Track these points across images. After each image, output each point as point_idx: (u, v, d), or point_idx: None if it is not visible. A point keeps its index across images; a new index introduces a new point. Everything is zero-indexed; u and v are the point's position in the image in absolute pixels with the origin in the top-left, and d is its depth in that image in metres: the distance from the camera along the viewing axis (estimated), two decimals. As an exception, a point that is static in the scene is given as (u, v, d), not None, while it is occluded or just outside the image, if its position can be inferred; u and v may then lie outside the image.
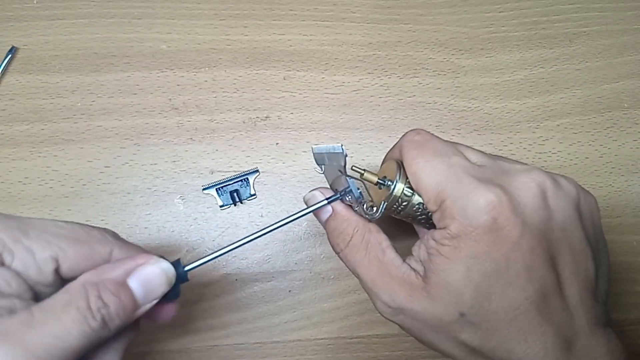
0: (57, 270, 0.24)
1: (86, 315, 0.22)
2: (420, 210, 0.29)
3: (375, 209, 0.29)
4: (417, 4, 0.46)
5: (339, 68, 0.44)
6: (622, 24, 0.47)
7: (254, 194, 0.41)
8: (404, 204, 0.29)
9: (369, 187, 0.31)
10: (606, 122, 0.45)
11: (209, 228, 0.40)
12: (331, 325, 0.39)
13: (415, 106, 0.44)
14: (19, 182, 0.41)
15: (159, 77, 0.43)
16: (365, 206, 0.29)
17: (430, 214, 0.28)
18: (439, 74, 0.45)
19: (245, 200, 0.41)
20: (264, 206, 0.41)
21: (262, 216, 0.41)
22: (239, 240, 0.28)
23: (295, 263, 0.40)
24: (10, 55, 0.42)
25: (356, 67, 0.45)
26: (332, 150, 0.29)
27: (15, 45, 0.43)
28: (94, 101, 0.42)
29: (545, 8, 0.47)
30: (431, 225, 0.29)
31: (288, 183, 0.42)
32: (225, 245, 0.28)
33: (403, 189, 0.28)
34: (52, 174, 0.41)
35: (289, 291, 0.40)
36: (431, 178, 0.27)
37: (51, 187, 0.40)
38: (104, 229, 0.27)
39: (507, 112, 0.44)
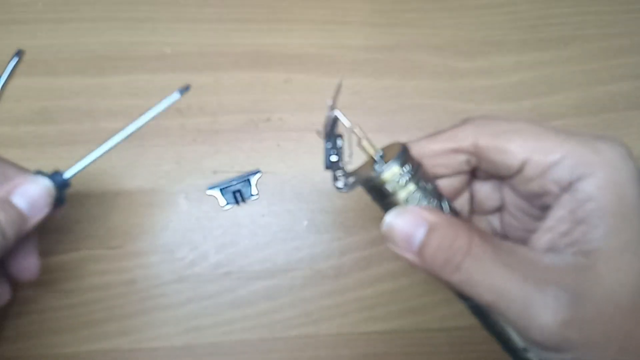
0: None
1: None
2: (402, 201, 0.25)
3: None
4: (415, 8, 0.47)
5: (339, 71, 0.45)
6: (617, 27, 0.48)
7: (256, 194, 0.42)
8: (393, 188, 0.25)
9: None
10: (601, 124, 0.45)
11: (211, 227, 0.41)
12: (331, 322, 0.40)
13: (414, 108, 0.45)
14: (26, 182, 0.41)
15: (162, 79, 0.44)
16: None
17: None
18: (437, 77, 0.45)
19: (248, 200, 0.42)
20: (265, 206, 0.42)
21: (263, 215, 0.42)
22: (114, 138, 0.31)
23: (296, 261, 0.41)
24: (17, 58, 0.43)
25: (355, 70, 0.45)
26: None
27: (21, 48, 0.44)
28: (98, 103, 0.43)
29: (541, 12, 0.48)
30: None
31: (289, 183, 0.42)
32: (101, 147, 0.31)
33: (399, 171, 0.25)
34: (58, 174, 0.41)
35: (290, 289, 0.40)
36: (545, 130, 0.23)
37: (57, 187, 0.41)
38: None
39: (503, 114, 0.45)
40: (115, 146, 0.32)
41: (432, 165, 0.26)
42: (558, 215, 0.23)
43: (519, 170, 0.24)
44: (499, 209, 0.29)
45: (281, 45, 0.45)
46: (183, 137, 0.43)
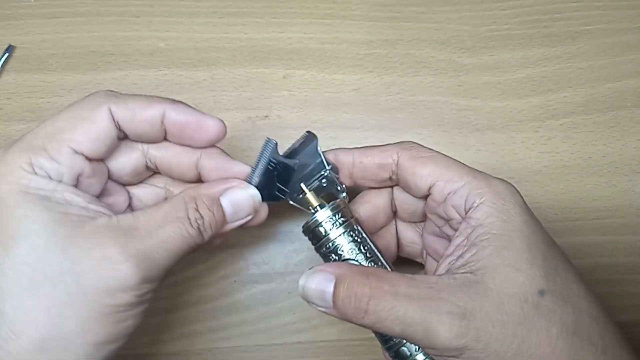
0: (87, 159, 0.26)
1: (185, 224, 0.25)
2: (332, 245, 0.30)
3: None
4: (418, 1, 0.46)
5: (339, 66, 0.44)
6: (625, 23, 0.47)
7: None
8: (321, 232, 0.30)
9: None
10: (609, 122, 0.44)
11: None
12: (331, 327, 0.39)
13: (417, 105, 0.44)
14: (16, 182, 0.40)
15: (157, 75, 0.43)
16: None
17: (338, 254, 0.30)
18: (441, 73, 0.44)
19: None
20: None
21: (261, 216, 0.41)
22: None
23: (295, 264, 0.40)
24: (7, 54, 0.42)
25: (357, 65, 0.44)
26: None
27: (12, 44, 0.43)
28: (91, 100, 0.42)
29: (547, 6, 0.47)
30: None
31: (288, 183, 0.41)
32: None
33: (329, 216, 0.29)
34: (49, 173, 0.40)
35: (289, 293, 0.39)
36: (454, 161, 0.29)
37: (48, 187, 0.40)
38: (96, 92, 0.28)
39: (509, 111, 0.44)
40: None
41: (361, 177, 0.31)
42: (457, 242, 0.26)
43: (428, 193, 0.29)
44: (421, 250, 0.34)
45: (279, 40, 0.44)
46: (178, 135, 0.42)
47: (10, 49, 0.42)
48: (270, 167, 0.30)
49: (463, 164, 0.29)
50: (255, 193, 0.29)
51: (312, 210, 0.31)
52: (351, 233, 0.30)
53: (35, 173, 0.24)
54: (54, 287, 0.23)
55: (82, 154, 0.26)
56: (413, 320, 0.24)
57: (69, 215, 0.24)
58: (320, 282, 0.26)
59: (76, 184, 0.26)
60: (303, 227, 0.31)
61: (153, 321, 0.38)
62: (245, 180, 0.30)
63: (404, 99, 0.44)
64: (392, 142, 0.31)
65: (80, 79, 0.42)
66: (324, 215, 0.30)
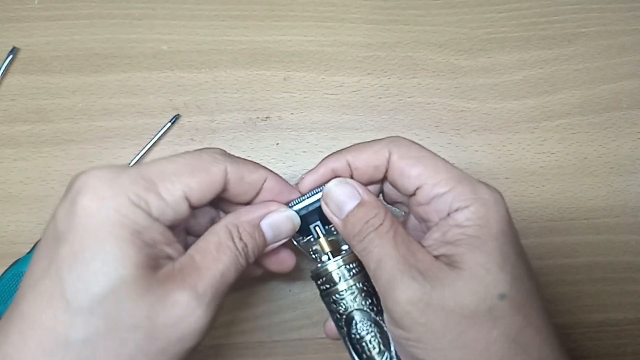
0: (191, 206, 0.26)
1: (235, 252, 0.26)
2: (339, 296, 0.30)
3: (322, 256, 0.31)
4: (417, 5, 0.47)
5: (339, 69, 0.44)
6: (620, 25, 0.47)
7: None
8: (330, 281, 0.30)
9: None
10: (605, 123, 0.45)
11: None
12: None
13: (415, 106, 0.44)
14: (20, 182, 0.41)
15: (159, 77, 0.43)
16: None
17: (343, 305, 0.29)
18: (438, 75, 0.45)
19: None
20: (264, 206, 0.41)
21: (262, 216, 0.41)
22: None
23: (296, 262, 0.40)
24: (11, 56, 0.43)
25: (356, 67, 0.45)
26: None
27: (16, 46, 0.43)
28: (94, 102, 0.43)
29: (544, 9, 0.47)
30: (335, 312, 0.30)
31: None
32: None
33: (340, 266, 0.29)
34: (54, 174, 0.41)
35: (290, 290, 0.40)
36: (444, 164, 0.28)
37: (52, 187, 0.41)
38: (210, 149, 0.28)
39: (506, 113, 0.44)
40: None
41: (358, 180, 0.30)
42: (434, 237, 0.27)
43: (413, 194, 0.29)
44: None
45: (280, 42, 0.45)
46: (180, 136, 0.42)
47: (14, 51, 0.43)
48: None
49: (453, 166, 0.28)
50: (292, 214, 0.30)
51: (314, 256, 0.31)
52: (359, 285, 0.29)
53: (139, 206, 0.24)
54: (128, 333, 0.23)
55: (190, 201, 0.26)
56: (386, 267, 0.26)
57: (150, 258, 0.24)
58: (346, 193, 0.28)
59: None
60: (312, 272, 0.31)
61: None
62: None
63: (402, 100, 0.44)
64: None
65: (84, 81, 0.43)
66: (334, 265, 0.30)
